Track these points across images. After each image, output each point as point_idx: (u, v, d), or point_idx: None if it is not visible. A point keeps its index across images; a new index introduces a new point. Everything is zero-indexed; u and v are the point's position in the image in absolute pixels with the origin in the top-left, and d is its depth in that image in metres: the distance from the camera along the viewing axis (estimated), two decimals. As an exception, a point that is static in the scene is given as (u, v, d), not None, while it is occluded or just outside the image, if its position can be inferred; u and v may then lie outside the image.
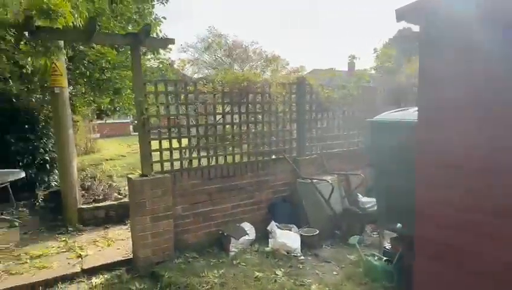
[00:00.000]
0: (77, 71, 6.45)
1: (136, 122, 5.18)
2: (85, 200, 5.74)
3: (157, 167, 4.16)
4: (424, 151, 2.61)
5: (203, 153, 4.49)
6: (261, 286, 3.46)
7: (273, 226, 4.51)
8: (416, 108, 3.15)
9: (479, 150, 2.29)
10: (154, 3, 8.11)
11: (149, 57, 7.48)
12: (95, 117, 11.93)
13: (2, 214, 5.50)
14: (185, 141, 4.43)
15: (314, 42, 58.26)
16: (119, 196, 6.02)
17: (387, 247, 3.62)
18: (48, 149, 6.79)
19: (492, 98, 2.21)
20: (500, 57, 2.13)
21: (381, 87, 6.07)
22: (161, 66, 7.51)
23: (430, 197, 2.59)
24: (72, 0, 3.78)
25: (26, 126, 6.44)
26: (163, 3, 8.40)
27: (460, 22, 2.30)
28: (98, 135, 14.48)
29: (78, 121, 9.59)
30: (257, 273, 3.68)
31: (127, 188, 5.21)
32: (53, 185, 6.81)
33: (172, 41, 4.10)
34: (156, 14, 7.75)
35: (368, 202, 5.20)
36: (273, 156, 5.02)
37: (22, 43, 3.76)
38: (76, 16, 3.43)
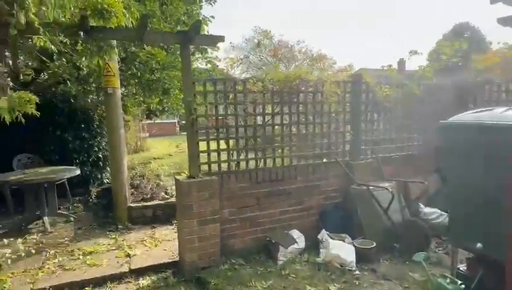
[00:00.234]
0: (129, 72, 6.65)
1: (183, 122, 5.14)
2: (134, 198, 5.84)
3: (203, 168, 4.04)
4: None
5: (250, 155, 4.30)
6: (314, 303, 3.18)
7: (324, 235, 4.18)
8: (505, 108, 2.69)
9: None
10: (202, 3, 8.17)
11: (197, 56, 7.52)
12: (145, 117, 12.41)
13: (59, 209, 5.78)
14: (232, 142, 4.28)
15: (361, 42, 56.31)
16: (166, 196, 6.04)
17: (461, 268, 3.13)
18: (101, 147, 7.09)
19: None
20: None
21: (446, 85, 5.44)
22: (209, 65, 7.51)
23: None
24: (125, 1, 3.82)
25: (82, 125, 6.75)
26: (210, 4, 8.43)
27: None
28: (147, 134, 15.05)
29: (129, 121, 9.98)
30: (308, 288, 3.40)
31: (173, 187, 5.20)
32: (105, 181, 7.10)
33: (222, 38, 3.95)
34: (204, 15, 7.81)
35: (431, 213, 4.67)
36: (325, 160, 4.69)
37: (78, 44, 3.87)
38: (127, 16, 3.43)
